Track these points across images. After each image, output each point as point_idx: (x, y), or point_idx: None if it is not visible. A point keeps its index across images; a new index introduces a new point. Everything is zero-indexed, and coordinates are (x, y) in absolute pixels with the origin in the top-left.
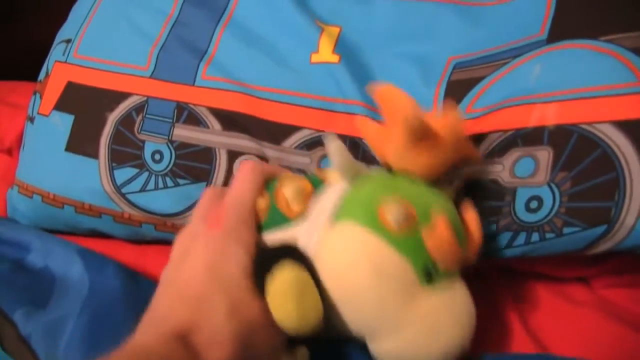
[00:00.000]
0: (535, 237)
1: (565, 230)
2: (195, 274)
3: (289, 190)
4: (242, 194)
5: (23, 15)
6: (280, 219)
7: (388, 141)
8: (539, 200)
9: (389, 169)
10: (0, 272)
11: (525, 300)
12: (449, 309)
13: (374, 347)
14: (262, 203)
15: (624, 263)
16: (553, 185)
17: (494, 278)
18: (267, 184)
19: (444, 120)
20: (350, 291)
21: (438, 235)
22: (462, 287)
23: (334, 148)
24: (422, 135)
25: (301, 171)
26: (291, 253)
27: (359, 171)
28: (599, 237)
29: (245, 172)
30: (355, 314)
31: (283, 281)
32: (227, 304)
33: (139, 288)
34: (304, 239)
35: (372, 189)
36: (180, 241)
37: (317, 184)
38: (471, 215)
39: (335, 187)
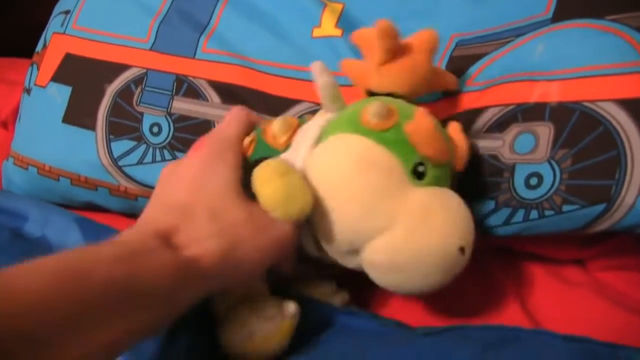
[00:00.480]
0: (534, 214)
1: (565, 207)
2: (179, 188)
3: (275, 123)
4: (227, 127)
5: None
6: (267, 151)
7: (368, 70)
8: (539, 177)
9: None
10: None
11: (522, 279)
12: (442, 205)
13: (367, 254)
14: (248, 139)
15: (620, 245)
16: (553, 162)
17: (491, 258)
18: (255, 127)
19: (418, 37)
20: (339, 189)
21: (419, 124)
22: (455, 193)
23: (319, 69)
24: (395, 45)
25: None
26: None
27: (342, 102)
28: (598, 216)
29: (232, 113)
30: (346, 214)
31: (268, 165)
32: (209, 210)
33: None
34: (290, 162)
35: (355, 106)
36: (167, 168)
37: (303, 121)
38: (455, 127)
39: (320, 116)
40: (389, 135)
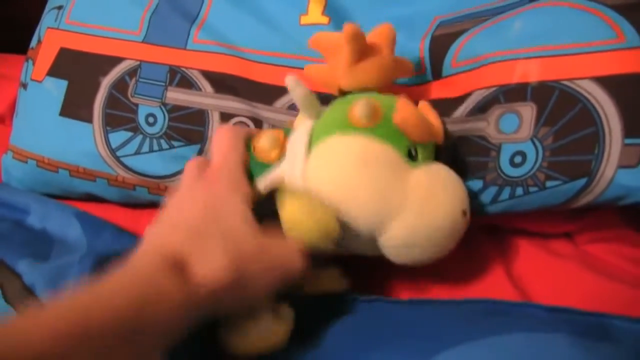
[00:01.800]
0: (519, 191)
1: (548, 183)
2: (195, 213)
3: (263, 140)
4: (229, 153)
5: None
6: (260, 168)
7: (335, 71)
8: (523, 155)
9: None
10: (0, 230)
11: (510, 253)
12: (439, 179)
13: (385, 240)
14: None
15: (605, 218)
16: (536, 140)
17: (477, 233)
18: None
19: (378, 33)
20: (348, 189)
21: (405, 114)
22: (443, 165)
23: (293, 82)
24: (364, 46)
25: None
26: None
27: (319, 107)
28: (580, 190)
29: (223, 135)
30: (363, 211)
31: (294, 205)
32: (224, 242)
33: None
34: (289, 173)
35: (334, 108)
36: (177, 194)
37: (288, 132)
38: (425, 106)
39: (303, 124)
40: (380, 130)
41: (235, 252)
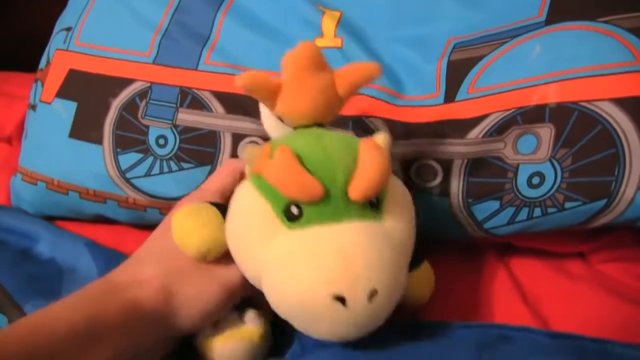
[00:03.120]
0: (537, 212)
1: (567, 204)
2: (142, 246)
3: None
4: (206, 183)
5: (16, 7)
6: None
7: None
8: (541, 176)
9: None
10: (6, 261)
11: (524, 274)
12: (309, 249)
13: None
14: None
15: (621, 237)
16: (554, 162)
17: (490, 253)
18: None
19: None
20: (228, 237)
21: (271, 165)
22: (352, 229)
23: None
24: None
25: None
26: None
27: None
28: (600, 211)
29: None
30: (236, 254)
31: (181, 210)
32: (157, 257)
33: None
34: None
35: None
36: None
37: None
38: (368, 145)
39: None
40: (260, 180)
41: (167, 265)
